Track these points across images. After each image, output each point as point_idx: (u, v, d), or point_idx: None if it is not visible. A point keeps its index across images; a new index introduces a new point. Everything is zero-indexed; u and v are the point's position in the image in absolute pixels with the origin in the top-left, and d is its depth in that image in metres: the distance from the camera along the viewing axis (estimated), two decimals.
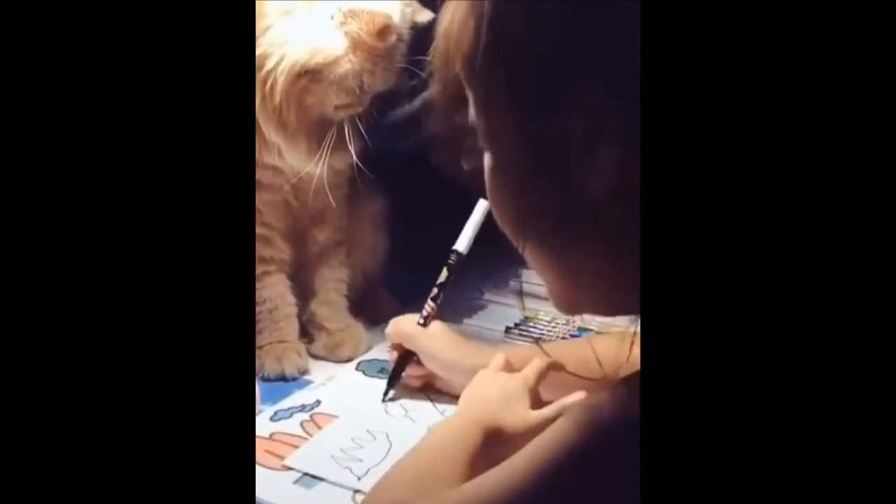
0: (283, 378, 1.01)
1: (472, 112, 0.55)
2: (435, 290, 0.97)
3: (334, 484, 0.82)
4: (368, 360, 1.06)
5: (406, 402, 0.97)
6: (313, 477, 0.83)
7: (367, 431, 0.91)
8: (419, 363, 0.97)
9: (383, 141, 0.99)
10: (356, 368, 1.05)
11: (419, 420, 0.93)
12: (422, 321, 0.96)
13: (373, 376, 1.03)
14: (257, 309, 1.01)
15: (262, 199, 1.00)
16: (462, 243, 0.97)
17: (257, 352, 1.01)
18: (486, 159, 0.56)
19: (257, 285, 1.01)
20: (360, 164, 0.96)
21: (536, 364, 0.85)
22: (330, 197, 0.98)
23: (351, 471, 0.84)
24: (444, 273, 0.98)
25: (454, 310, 1.13)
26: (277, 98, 0.90)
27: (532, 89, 0.51)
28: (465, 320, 1.15)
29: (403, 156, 1.00)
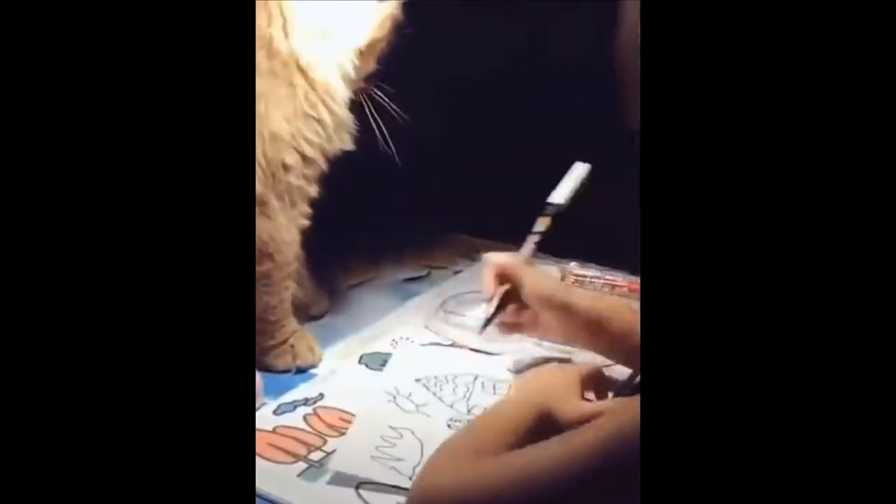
0: (299, 370, 1.02)
1: None
2: (538, 237, 1.01)
3: (385, 485, 0.82)
4: (371, 353, 1.06)
5: (415, 397, 0.97)
6: (367, 483, 0.82)
7: (391, 428, 0.91)
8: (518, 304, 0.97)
9: None
10: (359, 362, 1.05)
11: (433, 414, 0.94)
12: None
13: (375, 369, 1.03)
14: (272, 304, 1.02)
15: None
16: (559, 196, 1.02)
17: (277, 348, 1.02)
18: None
19: (271, 281, 1.02)
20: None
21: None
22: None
23: (397, 471, 0.83)
24: (546, 221, 1.01)
25: None
26: None
27: None
28: None
29: None
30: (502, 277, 0.98)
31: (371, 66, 1.03)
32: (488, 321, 0.98)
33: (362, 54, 0.99)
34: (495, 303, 0.97)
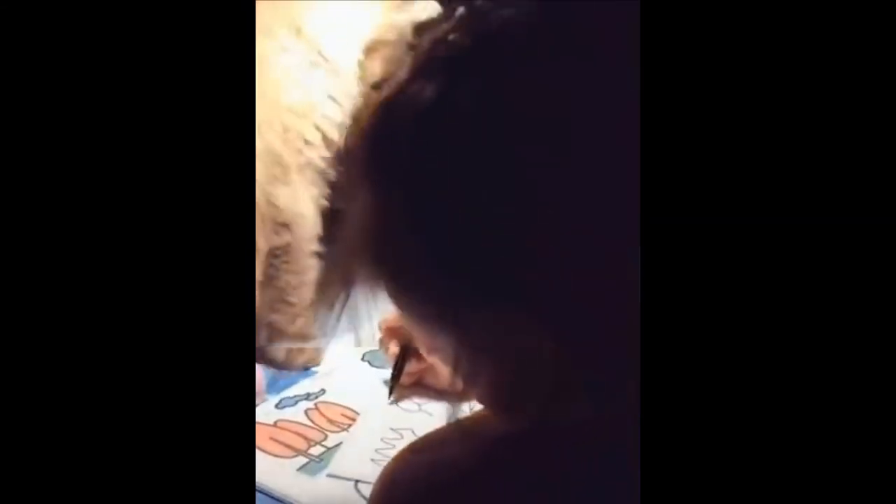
0: (301, 368, 1.03)
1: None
2: None
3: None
4: (373, 351, 1.06)
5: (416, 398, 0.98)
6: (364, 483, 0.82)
7: (392, 430, 0.91)
8: (414, 357, 0.96)
9: None
10: (362, 359, 1.05)
11: (435, 413, 0.94)
12: None
13: (378, 367, 1.03)
14: (293, 284, 1.03)
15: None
16: None
17: (290, 339, 1.03)
18: None
19: (290, 258, 1.03)
20: None
21: None
22: None
23: None
24: None
25: None
26: None
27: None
28: None
29: None
30: (398, 336, 0.95)
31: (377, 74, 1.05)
32: (392, 386, 0.96)
33: (369, 52, 1.02)
34: (394, 365, 0.96)
